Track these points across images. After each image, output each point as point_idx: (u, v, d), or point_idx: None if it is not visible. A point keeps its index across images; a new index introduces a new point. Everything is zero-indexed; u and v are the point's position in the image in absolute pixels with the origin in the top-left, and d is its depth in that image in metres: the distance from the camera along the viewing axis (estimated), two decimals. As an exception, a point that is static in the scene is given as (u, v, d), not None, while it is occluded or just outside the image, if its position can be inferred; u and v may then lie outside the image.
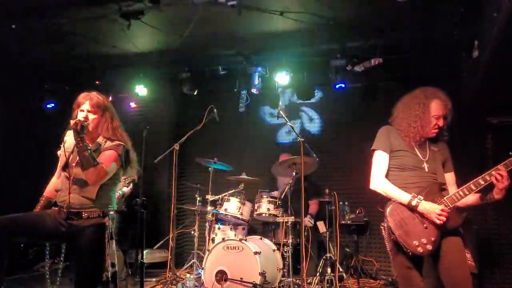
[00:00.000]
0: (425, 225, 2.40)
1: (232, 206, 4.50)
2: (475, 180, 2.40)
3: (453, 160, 2.67)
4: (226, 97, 5.64)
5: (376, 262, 5.13)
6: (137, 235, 3.42)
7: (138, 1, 3.86)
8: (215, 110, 4.66)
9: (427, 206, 2.39)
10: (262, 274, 3.82)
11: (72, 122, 2.52)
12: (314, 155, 4.22)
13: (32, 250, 5.49)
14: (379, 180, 2.58)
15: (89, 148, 2.49)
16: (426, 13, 3.93)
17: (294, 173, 4.26)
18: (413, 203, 2.41)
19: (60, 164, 2.70)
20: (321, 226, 4.79)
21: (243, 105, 5.44)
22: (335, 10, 3.97)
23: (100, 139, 2.69)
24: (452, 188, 2.56)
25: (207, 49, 5.06)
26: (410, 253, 2.38)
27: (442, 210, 2.35)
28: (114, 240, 2.65)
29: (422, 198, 2.41)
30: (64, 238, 2.66)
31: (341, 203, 4.91)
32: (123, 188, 4.67)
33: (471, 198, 2.48)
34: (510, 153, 2.41)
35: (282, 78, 5.30)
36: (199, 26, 4.38)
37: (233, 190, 4.69)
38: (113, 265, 2.59)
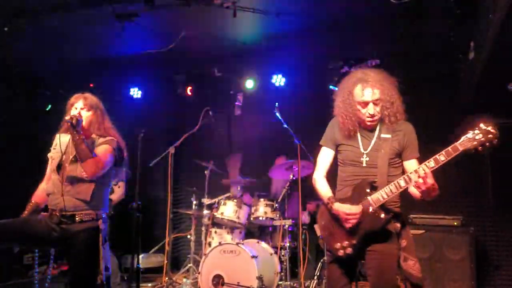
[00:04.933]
0: (347, 227, 2.26)
1: (229, 209, 4.47)
2: (398, 179, 2.19)
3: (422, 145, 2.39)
4: (221, 99, 5.60)
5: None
6: (132, 239, 3.37)
7: (132, 2, 3.83)
8: (210, 113, 4.63)
9: (335, 208, 2.27)
10: (260, 278, 3.79)
11: (67, 117, 2.54)
12: (311, 158, 4.19)
13: (27, 256, 5.42)
14: (314, 177, 2.49)
15: (85, 141, 2.51)
16: (422, 14, 3.92)
17: (291, 176, 4.23)
18: (329, 207, 2.30)
19: (51, 166, 2.69)
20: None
21: (239, 107, 5.41)
22: (331, 11, 3.96)
23: (93, 136, 2.72)
24: None
25: (202, 51, 5.03)
26: (335, 256, 2.30)
27: (348, 214, 2.20)
28: (108, 243, 2.63)
29: (333, 200, 2.30)
30: (57, 243, 2.63)
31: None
32: (118, 192, 4.64)
33: (416, 192, 2.22)
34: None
35: (278, 80, 5.28)
36: (195, 27, 4.36)
37: (229, 194, 4.66)
38: (107, 268, 2.56)
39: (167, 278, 4.62)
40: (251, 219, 4.51)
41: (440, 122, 4.78)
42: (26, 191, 2.85)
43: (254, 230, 5.01)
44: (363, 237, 2.22)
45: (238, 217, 4.43)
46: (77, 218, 2.53)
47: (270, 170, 4.63)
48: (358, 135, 2.38)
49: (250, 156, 5.64)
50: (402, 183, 2.16)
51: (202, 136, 4.96)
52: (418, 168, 2.14)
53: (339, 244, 2.26)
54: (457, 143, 2.09)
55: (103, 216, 2.64)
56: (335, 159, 2.51)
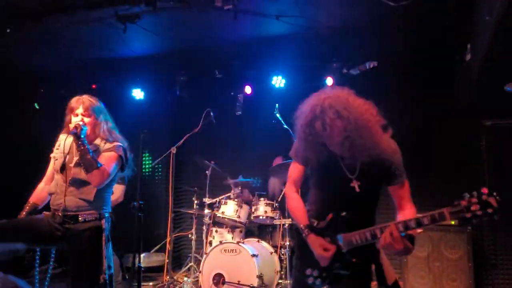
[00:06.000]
0: (322, 265, 2.07)
1: (230, 209, 4.51)
2: (375, 229, 1.92)
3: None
4: (222, 100, 5.65)
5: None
6: (134, 238, 3.41)
7: (134, 5, 3.87)
8: (211, 114, 4.68)
9: (311, 242, 2.06)
10: (260, 277, 3.83)
11: (71, 126, 2.55)
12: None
13: (29, 255, 5.45)
14: (285, 192, 2.34)
15: (90, 151, 2.52)
16: (420, 17, 3.97)
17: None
18: (304, 236, 2.10)
19: (54, 167, 2.70)
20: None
21: (240, 108, 5.46)
22: (331, 14, 4.00)
23: (98, 141, 2.72)
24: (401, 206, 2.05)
25: (203, 52, 5.08)
26: (304, 280, 2.11)
27: (320, 254, 2.00)
28: (110, 243, 2.66)
29: (310, 231, 2.08)
30: (60, 243, 2.66)
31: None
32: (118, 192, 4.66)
33: None
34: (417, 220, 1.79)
35: (278, 81, 5.33)
36: (196, 30, 4.40)
37: (230, 193, 4.70)
38: (109, 267, 2.59)
39: (168, 277, 4.66)
40: (252, 218, 4.55)
41: (437, 124, 4.83)
42: (27, 192, 2.87)
43: (254, 229, 5.06)
44: (333, 272, 2.05)
45: (239, 216, 4.47)
46: (80, 218, 2.55)
47: (270, 170, 4.68)
48: (339, 157, 2.10)
49: (250, 156, 5.69)
50: (379, 234, 1.88)
51: (203, 137, 5.00)
52: (390, 226, 1.83)
53: (310, 270, 2.09)
54: (446, 211, 1.74)
55: (106, 215, 2.67)
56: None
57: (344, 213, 2.05)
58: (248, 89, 5.47)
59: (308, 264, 2.10)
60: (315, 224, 2.14)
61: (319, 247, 2.03)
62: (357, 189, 2.04)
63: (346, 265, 2.02)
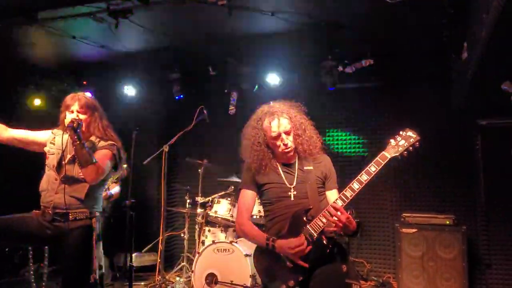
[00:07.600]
0: (290, 266, 2.18)
1: (223, 208, 4.48)
2: (335, 200, 2.19)
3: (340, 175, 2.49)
4: (216, 98, 5.60)
5: (367, 263, 5.13)
6: (125, 238, 3.36)
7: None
8: (205, 111, 4.62)
9: (281, 246, 2.18)
10: (253, 276, 3.79)
11: (67, 121, 2.54)
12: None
13: (18, 254, 5.38)
14: (238, 223, 2.43)
15: (86, 146, 2.49)
16: (416, 14, 3.95)
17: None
18: (270, 247, 2.22)
19: (48, 162, 2.66)
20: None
21: (234, 106, 5.41)
22: (326, 10, 3.97)
23: (93, 138, 2.71)
24: None
25: (197, 49, 5.02)
26: None
27: (294, 247, 2.11)
28: (101, 242, 2.63)
29: (275, 239, 2.21)
30: (49, 241, 2.65)
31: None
32: (115, 188, 4.65)
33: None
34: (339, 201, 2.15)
35: (273, 78, 5.29)
36: (189, 26, 4.35)
37: (223, 192, 4.66)
38: (100, 267, 2.56)
39: (160, 277, 4.61)
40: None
41: (433, 122, 4.82)
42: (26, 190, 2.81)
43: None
44: (309, 270, 2.15)
45: (232, 216, 4.43)
46: (70, 216, 2.52)
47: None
48: (280, 171, 2.38)
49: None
50: (340, 203, 2.15)
51: (197, 134, 4.95)
52: (336, 199, 2.17)
53: (284, 286, 2.17)
54: (384, 152, 2.19)
55: (97, 214, 2.64)
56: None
57: (303, 209, 2.24)
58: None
59: (281, 281, 2.18)
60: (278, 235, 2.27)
61: (290, 245, 2.14)
62: (292, 198, 2.32)
63: (322, 253, 2.16)
